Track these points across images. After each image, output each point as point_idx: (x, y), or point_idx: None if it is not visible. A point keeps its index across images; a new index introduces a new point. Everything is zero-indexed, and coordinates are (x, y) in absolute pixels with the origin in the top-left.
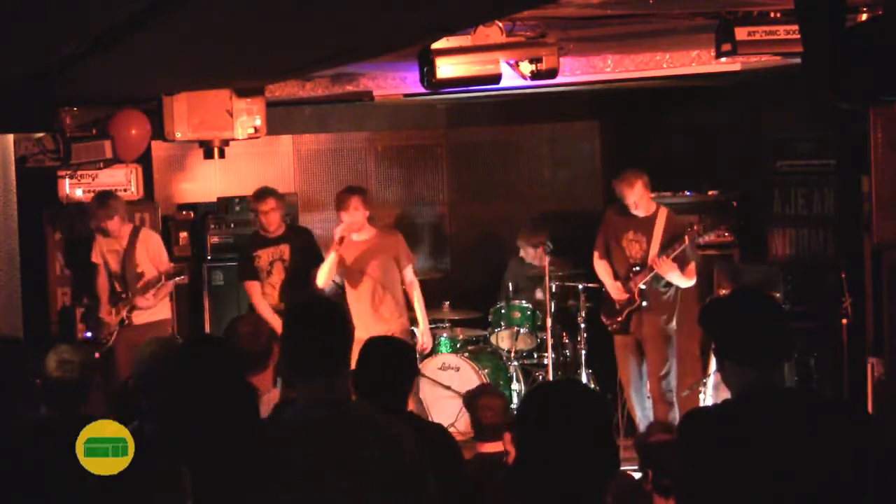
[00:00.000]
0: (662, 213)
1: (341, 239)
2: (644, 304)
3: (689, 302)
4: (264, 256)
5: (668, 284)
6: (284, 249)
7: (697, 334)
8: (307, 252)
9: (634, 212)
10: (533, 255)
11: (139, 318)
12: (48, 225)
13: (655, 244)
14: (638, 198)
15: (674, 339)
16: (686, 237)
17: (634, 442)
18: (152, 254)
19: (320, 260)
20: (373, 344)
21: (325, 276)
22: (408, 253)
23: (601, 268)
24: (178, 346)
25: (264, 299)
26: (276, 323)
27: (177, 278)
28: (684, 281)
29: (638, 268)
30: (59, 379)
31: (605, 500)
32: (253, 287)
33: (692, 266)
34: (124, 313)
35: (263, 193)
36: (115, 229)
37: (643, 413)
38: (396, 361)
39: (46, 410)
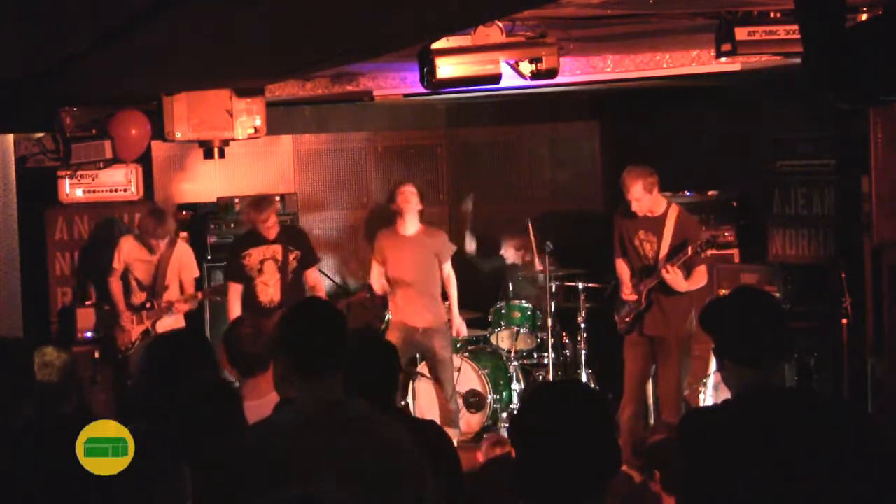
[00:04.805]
0: (673, 213)
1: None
2: (651, 306)
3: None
4: (255, 255)
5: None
6: (277, 250)
7: (697, 335)
8: (302, 253)
9: (636, 210)
10: (514, 256)
11: (160, 327)
12: (48, 225)
13: (666, 244)
14: (636, 198)
15: (691, 343)
16: (689, 248)
17: (633, 447)
18: (183, 268)
19: (315, 260)
20: (358, 343)
21: (376, 286)
22: (446, 250)
23: (620, 267)
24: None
25: (258, 297)
26: None
27: (209, 298)
28: (693, 286)
29: (649, 269)
30: (38, 381)
31: (606, 500)
32: (234, 288)
33: (702, 269)
34: (148, 324)
35: (263, 205)
36: (163, 248)
37: (636, 417)
38: (383, 360)
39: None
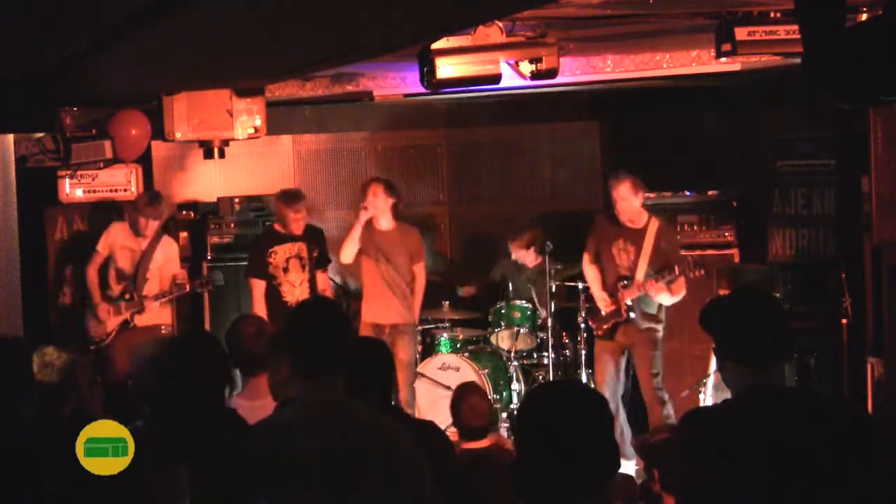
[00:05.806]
0: (653, 226)
1: (365, 208)
2: (632, 315)
3: (688, 303)
4: (280, 253)
5: (658, 306)
6: (301, 247)
7: (697, 335)
8: (320, 252)
9: (620, 210)
10: (525, 255)
11: (140, 320)
12: (48, 225)
13: (644, 258)
14: (622, 199)
15: (660, 343)
16: (676, 269)
17: (636, 446)
18: (166, 261)
19: (328, 261)
20: (358, 343)
21: (351, 251)
22: (421, 249)
23: (590, 273)
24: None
25: (283, 297)
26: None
27: (180, 291)
28: (675, 298)
29: (626, 281)
30: (38, 381)
31: (606, 500)
32: (257, 285)
33: (681, 280)
34: (128, 315)
35: (296, 198)
36: (150, 232)
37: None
38: (381, 360)
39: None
